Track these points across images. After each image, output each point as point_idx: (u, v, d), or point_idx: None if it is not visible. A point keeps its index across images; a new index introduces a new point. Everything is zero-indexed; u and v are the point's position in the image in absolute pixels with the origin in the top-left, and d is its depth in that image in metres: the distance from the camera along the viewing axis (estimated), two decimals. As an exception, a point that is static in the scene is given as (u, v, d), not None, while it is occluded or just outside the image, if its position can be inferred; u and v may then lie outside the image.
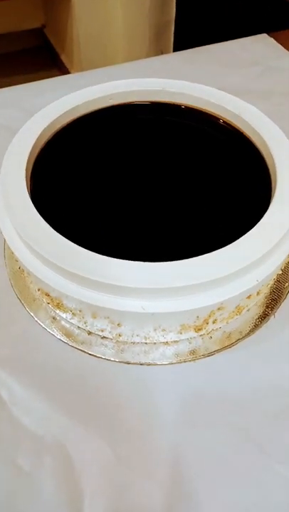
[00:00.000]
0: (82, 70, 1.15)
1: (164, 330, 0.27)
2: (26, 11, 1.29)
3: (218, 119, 0.33)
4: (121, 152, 0.32)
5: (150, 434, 0.25)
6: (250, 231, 0.25)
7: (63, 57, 1.29)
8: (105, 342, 0.29)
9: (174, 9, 0.85)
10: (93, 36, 1.08)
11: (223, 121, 0.33)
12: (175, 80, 0.34)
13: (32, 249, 0.25)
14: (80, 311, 0.26)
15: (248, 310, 0.30)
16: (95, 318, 0.26)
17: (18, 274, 0.32)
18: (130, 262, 0.24)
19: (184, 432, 0.25)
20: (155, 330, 0.27)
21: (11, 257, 0.33)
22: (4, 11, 1.22)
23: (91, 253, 0.24)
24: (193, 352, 0.29)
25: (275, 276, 0.30)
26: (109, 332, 0.28)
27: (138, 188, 0.30)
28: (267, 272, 0.26)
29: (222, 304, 0.25)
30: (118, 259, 0.24)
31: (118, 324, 0.26)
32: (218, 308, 0.25)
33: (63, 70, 1.28)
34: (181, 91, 0.33)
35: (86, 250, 0.24)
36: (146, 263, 0.24)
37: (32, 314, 0.30)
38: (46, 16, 1.34)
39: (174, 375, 0.28)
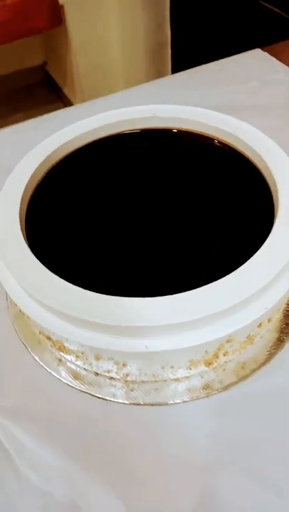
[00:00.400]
0: (84, 100, 1.17)
1: (172, 367, 0.25)
2: (28, 50, 1.33)
3: (213, 139, 0.32)
4: (115, 184, 0.31)
5: (166, 485, 0.24)
6: (254, 256, 0.24)
7: (66, 90, 1.32)
8: (114, 382, 0.28)
9: (169, 30, 0.86)
10: (92, 66, 1.10)
11: (218, 142, 0.32)
12: (166, 105, 0.34)
13: (27, 292, 0.24)
14: (82, 353, 0.25)
15: (261, 337, 0.28)
16: (98, 360, 0.25)
17: (20, 316, 0.31)
18: (130, 299, 0.23)
19: (204, 480, 0.24)
20: (163, 368, 0.25)
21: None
22: (6, 52, 1.27)
23: (89, 292, 0.23)
24: (206, 387, 0.27)
25: (286, 300, 0.28)
26: (116, 373, 0.26)
27: (134, 220, 0.29)
28: (276, 297, 0.24)
29: (230, 336, 0.23)
30: (116, 297, 0.23)
31: (123, 364, 0.25)
32: (227, 341, 0.24)
33: (66, 103, 1.31)
34: (172, 115, 0.33)
35: (83, 290, 0.23)
36: (146, 299, 0.23)
37: (37, 358, 0.29)
38: (47, 52, 1.38)
39: (187, 414, 0.26)
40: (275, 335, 0.29)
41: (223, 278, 0.23)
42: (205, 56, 0.56)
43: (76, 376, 0.28)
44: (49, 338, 0.26)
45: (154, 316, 0.22)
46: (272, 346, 0.28)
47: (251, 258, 0.24)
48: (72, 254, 0.27)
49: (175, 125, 0.33)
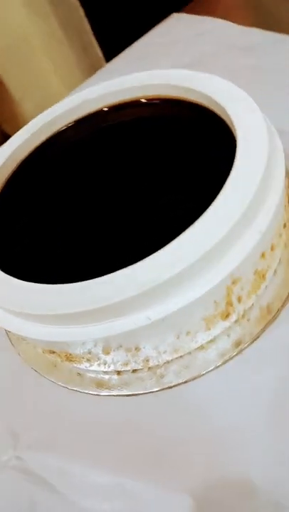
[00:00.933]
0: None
1: (188, 333, 0.23)
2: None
3: (182, 100, 0.30)
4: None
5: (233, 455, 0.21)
6: (220, 195, 0.21)
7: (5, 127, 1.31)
8: (139, 374, 0.25)
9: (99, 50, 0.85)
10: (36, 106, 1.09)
11: (187, 101, 0.29)
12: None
13: None
14: (89, 353, 0.23)
15: (274, 273, 0.26)
16: (108, 353, 0.23)
17: (25, 344, 0.29)
18: (102, 278, 0.20)
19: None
20: (178, 337, 0.23)
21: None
22: None
23: (51, 286, 0.21)
24: (237, 344, 0.25)
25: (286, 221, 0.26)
26: (135, 362, 0.24)
27: (89, 200, 0.27)
28: (267, 218, 0.21)
29: (233, 275, 0.21)
30: (87, 281, 0.20)
31: (136, 349, 0.23)
32: (233, 282, 0.21)
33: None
34: (134, 84, 0.30)
35: (44, 285, 0.21)
36: (123, 270, 0.20)
37: (54, 380, 0.27)
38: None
39: (224, 379, 0.23)
40: None
41: (201, 217, 0.21)
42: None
43: (101, 384, 0.26)
44: (52, 352, 0.24)
45: (142, 281, 0.20)
46: (290, 277, 0.25)
47: (218, 196, 0.21)
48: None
49: (141, 94, 0.30)
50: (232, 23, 0.47)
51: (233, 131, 0.24)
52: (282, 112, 0.36)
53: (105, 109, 0.32)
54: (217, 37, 0.47)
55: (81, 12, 0.67)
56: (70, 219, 0.27)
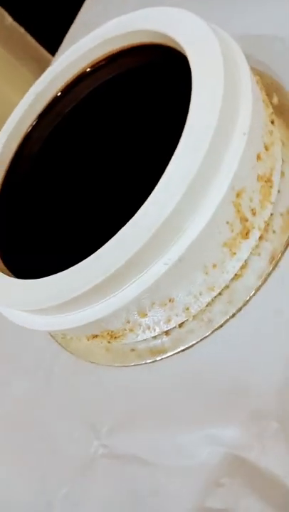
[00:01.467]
0: None
1: (215, 266, 0.21)
2: None
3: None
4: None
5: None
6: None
7: None
8: (187, 327, 0.24)
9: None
10: None
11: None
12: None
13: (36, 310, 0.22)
14: (128, 322, 0.22)
15: (281, 174, 0.24)
16: (145, 315, 0.22)
17: (73, 342, 0.28)
18: (112, 239, 0.20)
19: None
20: (208, 273, 0.21)
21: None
22: None
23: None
24: (271, 259, 0.23)
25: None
26: (176, 315, 0.23)
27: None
28: (246, 118, 0.20)
29: (234, 187, 0.20)
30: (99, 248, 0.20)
31: (170, 300, 0.22)
32: (237, 196, 0.20)
33: None
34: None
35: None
36: (126, 227, 0.19)
37: (110, 364, 0.26)
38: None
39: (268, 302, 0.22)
40: (292, 162, 0.24)
41: (181, 141, 0.19)
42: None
43: (154, 351, 0.25)
44: (95, 336, 0.24)
45: (146, 226, 0.19)
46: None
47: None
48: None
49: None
50: None
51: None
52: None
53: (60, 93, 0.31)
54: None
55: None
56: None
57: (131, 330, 0.23)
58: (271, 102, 0.27)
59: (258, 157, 0.21)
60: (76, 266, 0.20)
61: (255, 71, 0.29)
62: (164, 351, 0.25)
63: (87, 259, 0.20)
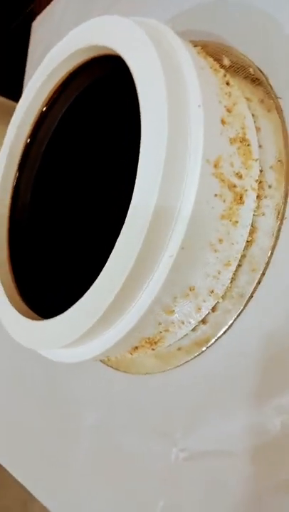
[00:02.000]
0: None
1: (221, 240, 0.21)
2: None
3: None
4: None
5: None
6: None
7: None
8: (221, 309, 0.24)
9: None
10: None
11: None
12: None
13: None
14: (159, 324, 0.22)
15: (257, 130, 0.23)
16: (173, 312, 0.22)
17: (128, 361, 0.29)
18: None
19: None
20: (216, 250, 0.21)
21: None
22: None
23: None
24: (277, 212, 0.23)
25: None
26: (203, 301, 0.23)
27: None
28: (196, 90, 0.20)
29: (208, 159, 0.19)
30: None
31: (191, 289, 0.21)
32: (215, 166, 0.20)
33: None
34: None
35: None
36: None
37: (164, 370, 0.26)
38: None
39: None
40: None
41: (143, 145, 0.20)
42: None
43: (199, 343, 0.25)
44: (136, 348, 0.24)
45: (140, 222, 0.19)
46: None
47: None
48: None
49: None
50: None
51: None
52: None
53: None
54: (73, 11, 0.46)
55: None
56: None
57: (166, 330, 0.23)
58: (223, 65, 0.26)
59: (223, 121, 0.21)
60: (88, 292, 0.20)
61: (198, 42, 0.29)
62: (208, 339, 0.25)
63: (96, 283, 0.20)
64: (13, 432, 0.38)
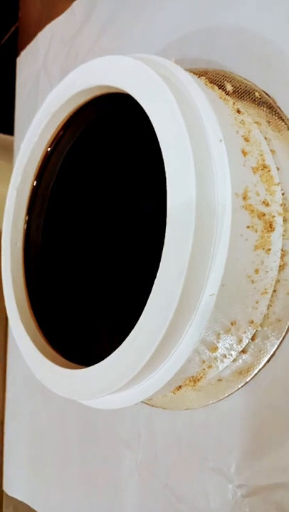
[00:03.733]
0: None
1: (257, 271, 0.21)
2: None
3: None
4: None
5: None
6: None
7: None
8: (260, 336, 0.24)
9: None
10: None
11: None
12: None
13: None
14: (203, 362, 0.22)
15: (272, 152, 0.23)
16: (216, 349, 0.21)
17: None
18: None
19: None
20: (254, 282, 0.21)
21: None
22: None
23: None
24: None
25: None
26: (244, 333, 0.22)
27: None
28: (216, 125, 0.20)
29: (237, 192, 0.19)
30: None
31: (232, 323, 0.21)
32: (244, 198, 0.20)
33: None
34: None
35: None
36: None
37: (205, 404, 0.26)
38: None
39: None
40: None
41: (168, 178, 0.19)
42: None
43: (240, 373, 0.25)
44: (179, 388, 0.23)
45: (178, 271, 0.18)
46: None
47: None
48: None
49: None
50: (55, 20, 0.46)
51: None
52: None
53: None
54: (55, 41, 0.46)
55: None
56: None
57: (210, 367, 0.23)
58: (227, 92, 0.26)
59: (244, 152, 0.21)
60: (130, 338, 0.20)
61: (196, 70, 0.29)
62: (250, 368, 0.24)
63: (137, 327, 0.19)
64: (49, 480, 0.37)
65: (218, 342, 0.21)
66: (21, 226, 0.33)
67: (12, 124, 0.54)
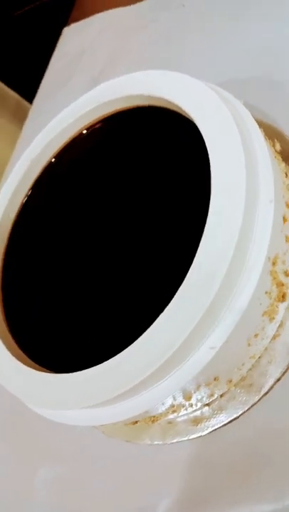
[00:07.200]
0: None
1: (256, 335, 0.21)
2: None
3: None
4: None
5: None
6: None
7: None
8: (229, 395, 0.23)
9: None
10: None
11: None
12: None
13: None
14: (173, 406, 0.21)
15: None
16: (190, 398, 0.21)
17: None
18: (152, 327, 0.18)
19: None
20: (250, 344, 0.21)
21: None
22: None
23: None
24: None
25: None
26: (218, 389, 0.22)
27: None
28: (270, 187, 0.19)
29: (270, 257, 0.19)
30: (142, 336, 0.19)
31: (216, 379, 0.21)
32: (273, 264, 0.19)
33: None
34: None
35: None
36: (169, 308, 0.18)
37: (149, 442, 0.25)
38: None
39: None
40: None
41: (207, 225, 0.19)
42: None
43: (196, 421, 0.24)
44: (135, 422, 0.22)
45: (193, 313, 0.18)
46: None
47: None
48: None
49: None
50: (121, 8, 0.45)
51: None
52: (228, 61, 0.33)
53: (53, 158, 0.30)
54: (116, 26, 0.45)
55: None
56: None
57: (173, 411, 0.22)
58: (275, 150, 0.26)
59: (284, 218, 0.20)
60: (115, 359, 0.19)
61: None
62: (205, 420, 0.24)
63: (130, 352, 0.18)
64: None
65: (195, 392, 0.20)
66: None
67: (35, 91, 0.52)
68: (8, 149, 0.48)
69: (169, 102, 0.23)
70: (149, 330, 0.18)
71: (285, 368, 0.22)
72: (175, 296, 0.18)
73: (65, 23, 0.54)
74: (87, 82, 0.44)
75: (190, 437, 0.24)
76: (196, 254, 0.18)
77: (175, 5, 0.40)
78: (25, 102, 0.65)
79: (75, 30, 0.50)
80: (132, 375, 0.18)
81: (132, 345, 0.18)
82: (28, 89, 0.61)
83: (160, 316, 0.18)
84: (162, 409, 0.21)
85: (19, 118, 0.59)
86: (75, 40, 0.50)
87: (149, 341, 0.18)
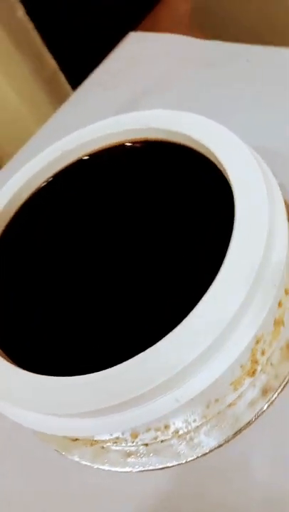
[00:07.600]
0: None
1: (217, 400, 0.21)
2: None
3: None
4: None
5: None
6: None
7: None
8: (168, 442, 0.24)
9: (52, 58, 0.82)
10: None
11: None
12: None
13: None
14: (117, 439, 0.21)
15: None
16: (136, 437, 0.21)
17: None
18: (128, 363, 0.19)
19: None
20: (208, 406, 0.21)
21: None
22: None
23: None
24: (264, 391, 0.24)
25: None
26: (164, 436, 0.22)
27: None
28: (279, 271, 0.20)
29: (257, 335, 0.20)
30: (114, 367, 0.19)
31: (166, 427, 0.21)
32: (257, 342, 0.20)
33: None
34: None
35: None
36: (146, 352, 0.19)
37: (77, 459, 0.25)
38: None
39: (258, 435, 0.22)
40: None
41: (212, 287, 0.19)
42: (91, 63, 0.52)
43: (128, 454, 0.25)
44: (76, 440, 0.23)
45: (170, 365, 0.18)
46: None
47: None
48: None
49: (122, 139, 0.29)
50: (191, 38, 0.46)
51: (225, 175, 0.23)
52: (264, 128, 0.35)
53: (86, 157, 0.30)
54: (178, 54, 0.46)
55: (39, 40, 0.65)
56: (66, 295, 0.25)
57: (115, 442, 0.22)
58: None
59: (279, 304, 0.21)
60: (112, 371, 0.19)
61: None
62: (138, 456, 0.24)
63: (122, 369, 0.18)
64: None
65: (142, 434, 0.21)
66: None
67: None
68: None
69: (200, 144, 0.24)
70: (123, 364, 0.19)
71: (229, 437, 0.23)
72: (157, 344, 0.18)
73: (134, 26, 0.55)
74: (128, 96, 0.44)
75: (119, 470, 0.24)
76: (195, 307, 0.19)
77: (241, 58, 0.41)
78: (61, 75, 0.65)
79: (140, 38, 0.51)
80: (97, 400, 0.18)
81: (127, 369, 0.19)
82: (72, 71, 0.61)
83: (133, 358, 0.19)
84: (107, 437, 0.21)
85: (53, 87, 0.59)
86: (136, 48, 0.50)
87: (124, 375, 0.19)
